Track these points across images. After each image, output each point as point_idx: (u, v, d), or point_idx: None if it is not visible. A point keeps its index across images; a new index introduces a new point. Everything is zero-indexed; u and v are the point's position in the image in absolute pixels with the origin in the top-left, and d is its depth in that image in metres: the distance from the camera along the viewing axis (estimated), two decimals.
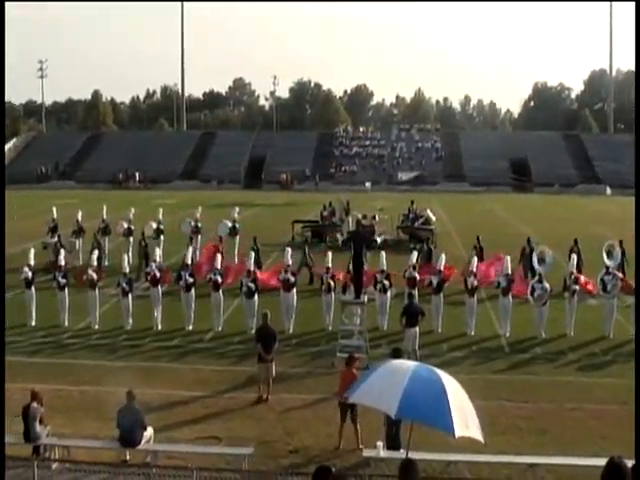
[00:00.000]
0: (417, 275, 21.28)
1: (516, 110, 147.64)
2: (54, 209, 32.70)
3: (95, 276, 21.09)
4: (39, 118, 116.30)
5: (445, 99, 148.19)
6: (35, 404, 12.19)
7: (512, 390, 15.97)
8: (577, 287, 20.48)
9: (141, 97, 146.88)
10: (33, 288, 21.32)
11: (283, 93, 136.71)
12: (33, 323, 21.01)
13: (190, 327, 20.65)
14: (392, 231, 36.16)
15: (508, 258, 21.08)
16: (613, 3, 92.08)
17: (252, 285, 20.31)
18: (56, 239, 29.05)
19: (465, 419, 7.37)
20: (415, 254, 22.59)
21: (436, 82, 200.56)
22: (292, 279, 20.93)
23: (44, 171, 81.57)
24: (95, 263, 22.22)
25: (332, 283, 20.76)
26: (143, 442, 12.16)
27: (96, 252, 23.77)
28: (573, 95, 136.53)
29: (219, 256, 22.48)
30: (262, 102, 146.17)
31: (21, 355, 18.23)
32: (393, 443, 12.12)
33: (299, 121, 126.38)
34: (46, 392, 13.47)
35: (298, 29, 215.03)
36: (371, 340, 18.56)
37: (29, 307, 21.16)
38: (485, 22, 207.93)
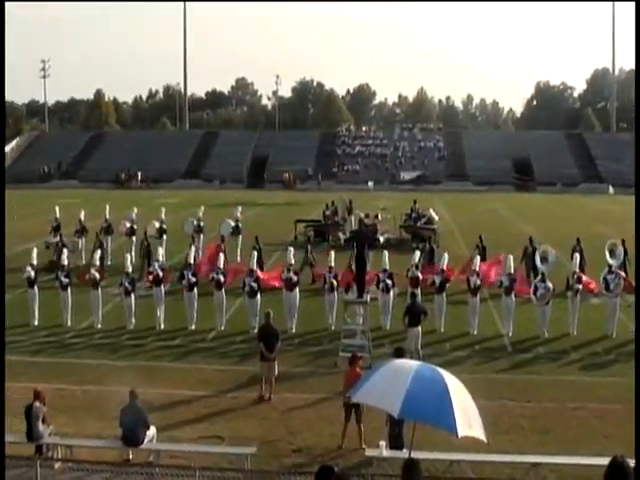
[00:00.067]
0: (420, 274, 21.29)
1: (519, 109, 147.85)
2: (57, 209, 32.72)
3: (98, 276, 21.12)
4: (42, 118, 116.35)
5: (447, 98, 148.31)
6: (38, 403, 12.20)
7: (515, 389, 15.96)
8: (580, 286, 20.47)
9: (144, 97, 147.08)
10: (36, 287, 21.34)
11: (286, 92, 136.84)
12: (36, 322, 21.03)
13: (193, 326, 20.66)
14: (395, 230, 36.13)
15: (511, 257, 21.05)
16: (616, 2, 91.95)
17: (254, 284, 20.31)
18: (58, 239, 29.08)
19: (468, 419, 7.35)
20: (418, 253, 22.59)
21: (438, 81, 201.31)
22: (295, 278, 20.93)
23: (47, 171, 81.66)
24: (97, 263, 22.25)
25: (335, 282, 20.76)
26: (146, 441, 12.16)
27: (98, 252, 23.78)
28: (576, 94, 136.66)
29: (222, 255, 22.50)
30: (265, 101, 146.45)
31: (24, 354, 18.26)
32: (396, 442, 12.11)
33: (302, 120, 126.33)
34: (49, 391, 13.51)
35: (300, 29, 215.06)
36: (374, 339, 18.55)
37: (32, 306, 21.18)
38: (487, 21, 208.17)
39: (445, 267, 21.10)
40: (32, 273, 21.29)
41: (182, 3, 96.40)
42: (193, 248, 23.84)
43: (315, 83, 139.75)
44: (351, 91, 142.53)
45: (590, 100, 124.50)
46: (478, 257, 22.24)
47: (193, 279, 20.87)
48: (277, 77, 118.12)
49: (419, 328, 17.62)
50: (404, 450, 11.38)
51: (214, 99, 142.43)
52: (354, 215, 36.86)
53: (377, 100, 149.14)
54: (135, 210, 32.84)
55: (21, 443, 12.09)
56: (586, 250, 25.04)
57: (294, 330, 20.37)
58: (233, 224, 31.33)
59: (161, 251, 23.75)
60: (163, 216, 32.08)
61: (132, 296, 20.60)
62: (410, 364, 8.21)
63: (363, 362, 14.08)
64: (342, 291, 20.47)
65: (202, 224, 31.74)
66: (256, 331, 17.63)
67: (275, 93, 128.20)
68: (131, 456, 12.39)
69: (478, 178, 77.76)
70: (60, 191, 64.90)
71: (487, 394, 13.95)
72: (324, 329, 20.59)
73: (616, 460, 6.00)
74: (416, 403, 7.24)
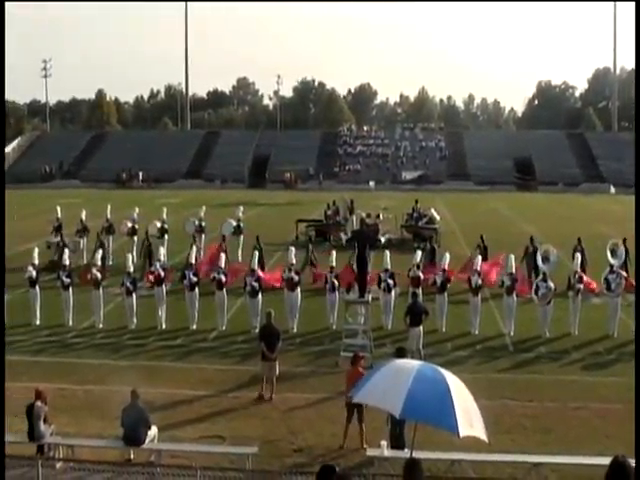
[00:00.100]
0: (421, 274, 21.28)
1: (520, 109, 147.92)
2: (58, 208, 32.71)
3: (99, 275, 21.13)
4: (43, 117, 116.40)
5: (449, 98, 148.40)
6: (39, 403, 12.21)
7: (516, 389, 15.95)
8: (581, 286, 20.45)
9: (145, 96, 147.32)
10: (37, 287, 21.35)
11: (287, 92, 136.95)
12: (37, 322, 21.04)
13: (194, 326, 20.67)
14: (396, 230, 36.15)
15: (512, 257, 21.02)
16: (617, 2, 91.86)
17: (256, 284, 20.31)
18: (59, 238, 29.08)
19: (469, 418, 7.34)
20: (419, 253, 22.57)
21: (440, 81, 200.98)
22: (296, 278, 20.91)
23: (48, 170, 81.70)
24: (99, 262, 22.24)
25: (336, 282, 20.75)
26: (147, 441, 12.17)
27: (100, 251, 23.79)
28: (577, 94, 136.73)
29: (223, 255, 22.50)
30: (266, 101, 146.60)
31: (25, 354, 18.27)
32: (397, 442, 12.11)
33: (303, 120, 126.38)
34: (50, 391, 13.52)
35: (300, 29, 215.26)
36: (375, 339, 18.55)
37: (33, 306, 21.19)
38: (488, 21, 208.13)
39: (446, 267, 21.09)
40: (34, 273, 21.30)
41: (183, 3, 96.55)
42: (194, 248, 23.83)
43: (316, 83, 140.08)
44: (352, 91, 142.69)
45: (591, 100, 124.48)
46: (479, 257, 22.24)
47: (194, 279, 20.88)
48: (278, 77, 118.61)
49: (420, 328, 17.61)
50: (405, 450, 11.38)
51: (215, 99, 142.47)
52: (355, 215, 36.87)
53: (378, 100, 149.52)
54: (136, 210, 32.84)
55: (22, 443, 12.10)
56: (587, 250, 25.01)
57: (295, 330, 20.36)
58: (235, 224, 31.36)
59: (162, 251, 23.76)
60: (164, 216, 32.09)
61: (133, 296, 20.61)
62: (411, 364, 8.20)
63: (365, 362, 14.09)
64: (343, 291, 20.48)
65: (203, 224, 31.75)
66: (257, 331, 17.62)
67: (276, 93, 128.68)
68: (132, 456, 12.39)
69: (479, 178, 77.74)
70: (61, 191, 64.95)
71: (488, 394, 13.96)
72: (325, 329, 20.59)
73: (617, 460, 6.00)
74: (417, 403, 7.24)
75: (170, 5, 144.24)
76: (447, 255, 21.61)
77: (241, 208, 33.88)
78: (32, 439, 12.14)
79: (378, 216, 36.26)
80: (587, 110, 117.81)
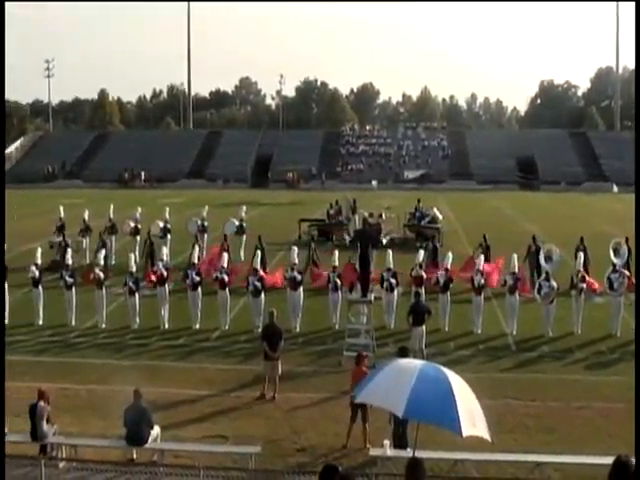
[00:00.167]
0: (424, 274, 21.26)
1: (522, 108, 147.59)
2: (61, 208, 32.75)
3: (102, 275, 21.14)
4: (46, 117, 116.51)
5: (451, 97, 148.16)
6: (42, 403, 12.21)
7: (519, 388, 15.93)
8: (584, 285, 20.43)
9: (147, 96, 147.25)
10: (40, 287, 21.38)
11: (289, 92, 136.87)
12: (40, 322, 21.07)
13: (197, 326, 20.68)
14: (399, 229, 36.14)
15: (515, 256, 21.00)
16: (619, 2, 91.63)
17: (258, 284, 20.31)
18: (61, 238, 29.10)
19: (472, 418, 7.34)
20: (422, 252, 22.56)
21: (442, 80, 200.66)
22: (299, 278, 20.91)
23: (51, 170, 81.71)
24: (102, 262, 22.24)
25: (339, 282, 20.75)
26: (150, 441, 12.17)
27: (102, 251, 23.80)
28: (580, 93, 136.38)
29: (225, 255, 22.49)
30: (268, 101, 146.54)
31: (28, 354, 18.30)
32: (400, 442, 12.11)
33: (305, 120, 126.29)
34: (53, 391, 13.53)
35: (301, 29, 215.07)
36: (378, 339, 18.52)
37: (36, 306, 21.22)
38: (490, 21, 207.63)
39: (449, 266, 21.07)
40: (36, 273, 21.32)
41: (184, 3, 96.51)
42: (197, 248, 23.84)
43: (319, 82, 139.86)
44: (355, 90, 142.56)
45: (594, 99, 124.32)
46: (482, 256, 22.22)
47: (197, 278, 20.89)
48: (281, 77, 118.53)
49: (423, 327, 17.60)
50: (408, 449, 11.35)
51: (218, 99, 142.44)
52: (358, 214, 36.79)
53: (381, 99, 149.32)
54: (139, 210, 32.83)
55: (25, 442, 12.12)
56: (590, 249, 24.98)
57: (298, 329, 20.37)
58: (237, 223, 31.38)
59: (165, 251, 23.77)
60: (167, 216, 32.08)
61: (136, 296, 20.62)
62: (414, 363, 8.20)
63: (368, 361, 14.09)
64: (346, 290, 20.47)
65: (206, 224, 31.75)
66: (260, 330, 17.64)
67: (279, 93, 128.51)
68: (135, 455, 12.39)
69: (482, 177, 77.66)
70: (64, 191, 64.96)
71: (491, 393, 13.95)
72: (328, 328, 20.58)
73: (620, 459, 6.00)
74: (420, 403, 7.23)
75: (171, 5, 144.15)
76: (450, 254, 21.60)
77: (244, 208, 33.92)
78: (35, 439, 12.15)
79: (381, 215, 36.21)
80: (590, 109, 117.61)
